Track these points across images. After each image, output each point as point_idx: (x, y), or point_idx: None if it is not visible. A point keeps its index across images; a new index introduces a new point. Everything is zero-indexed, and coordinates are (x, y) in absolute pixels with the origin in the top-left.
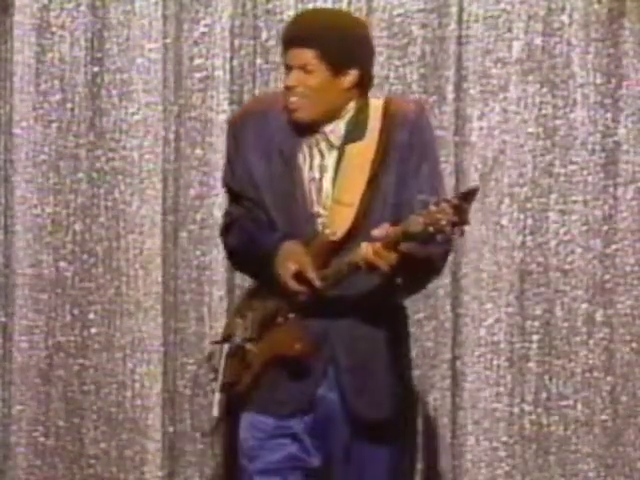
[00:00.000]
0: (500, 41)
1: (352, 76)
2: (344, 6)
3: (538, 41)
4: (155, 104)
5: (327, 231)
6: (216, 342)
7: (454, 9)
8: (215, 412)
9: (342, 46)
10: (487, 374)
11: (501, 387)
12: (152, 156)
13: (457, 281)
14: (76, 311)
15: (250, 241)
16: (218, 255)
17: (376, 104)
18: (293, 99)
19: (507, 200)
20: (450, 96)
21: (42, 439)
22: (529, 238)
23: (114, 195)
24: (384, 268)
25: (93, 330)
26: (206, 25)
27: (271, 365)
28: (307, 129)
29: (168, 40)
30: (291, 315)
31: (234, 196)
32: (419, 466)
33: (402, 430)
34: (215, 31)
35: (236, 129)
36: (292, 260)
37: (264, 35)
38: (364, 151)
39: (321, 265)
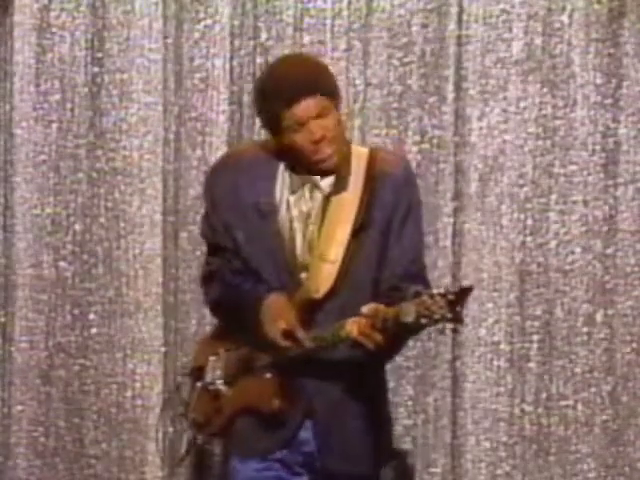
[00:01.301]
0: (500, 41)
1: (340, 104)
2: (344, 6)
3: (538, 41)
4: (155, 104)
5: (310, 288)
6: (186, 374)
7: (454, 9)
8: (183, 450)
9: (333, 81)
10: (487, 374)
11: (501, 387)
12: (152, 156)
13: (457, 281)
14: (76, 311)
15: (232, 294)
16: None
17: (359, 153)
18: (328, 150)
19: (507, 200)
20: (450, 96)
21: (42, 439)
22: (529, 238)
23: (114, 195)
24: (370, 347)
25: (93, 330)
26: (206, 25)
27: (243, 412)
28: (299, 180)
29: (168, 40)
30: (268, 375)
31: (214, 249)
32: (419, 466)
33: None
34: (215, 31)
35: (209, 185)
36: (280, 318)
37: (264, 35)
38: (348, 203)
39: (303, 321)
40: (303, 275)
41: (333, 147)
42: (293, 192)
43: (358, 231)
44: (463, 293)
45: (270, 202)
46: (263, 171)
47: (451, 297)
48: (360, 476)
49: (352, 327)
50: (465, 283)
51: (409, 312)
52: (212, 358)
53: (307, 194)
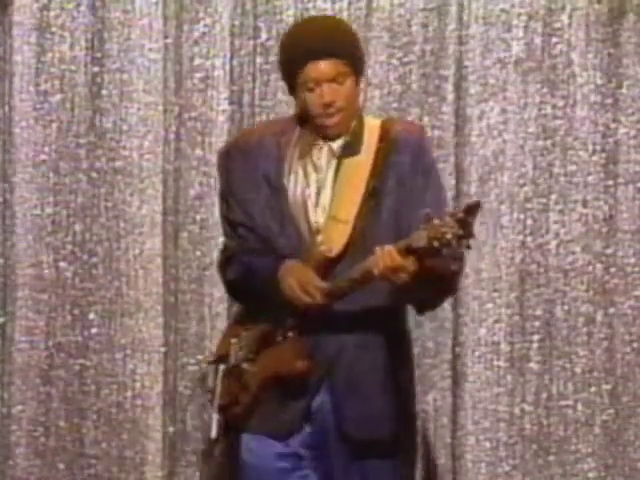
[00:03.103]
0: (500, 41)
1: (362, 82)
2: (344, 6)
3: (538, 41)
4: (155, 104)
5: (323, 247)
6: (210, 362)
7: (454, 9)
8: (213, 434)
9: (358, 47)
10: (487, 374)
11: (501, 387)
12: (152, 156)
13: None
14: (76, 311)
15: (249, 271)
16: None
17: (372, 123)
18: (333, 119)
19: (507, 200)
20: (450, 96)
21: (42, 439)
22: (529, 238)
23: (114, 195)
24: (403, 277)
25: (93, 330)
26: (206, 25)
27: (269, 384)
28: (310, 145)
29: (168, 40)
30: (290, 334)
31: (230, 227)
32: (419, 466)
33: (400, 450)
34: (215, 31)
35: (223, 163)
36: (298, 274)
37: (264, 35)
38: (360, 167)
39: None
40: (318, 238)
41: (340, 115)
42: (303, 158)
43: (370, 194)
44: (471, 209)
45: (281, 175)
46: (274, 144)
47: (460, 215)
48: (380, 441)
49: (372, 262)
50: (471, 201)
51: (421, 237)
52: (233, 341)
53: (317, 159)
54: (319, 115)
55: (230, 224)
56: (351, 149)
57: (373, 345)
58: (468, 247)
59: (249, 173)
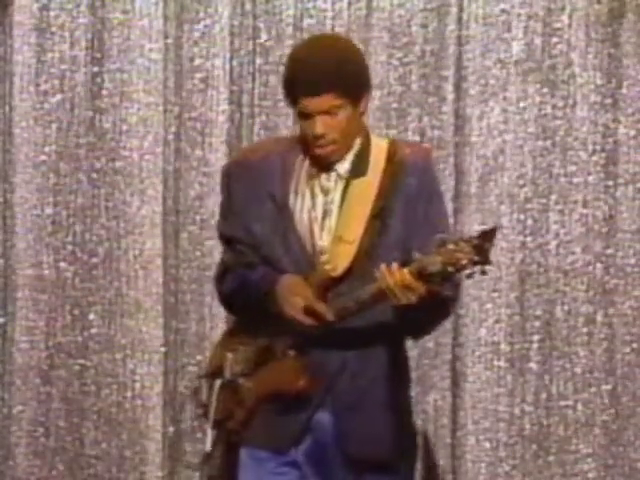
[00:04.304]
0: (500, 41)
1: (365, 98)
2: (344, 6)
3: (538, 41)
4: (155, 104)
5: (328, 266)
6: (204, 376)
7: (454, 9)
8: (208, 447)
9: (357, 76)
10: (487, 374)
11: (501, 387)
12: (152, 156)
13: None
14: (76, 312)
15: (245, 284)
16: (218, 255)
17: (379, 144)
18: (325, 149)
19: (507, 201)
20: (450, 96)
21: (42, 439)
22: (529, 239)
23: (114, 195)
24: (411, 297)
25: (93, 331)
26: (206, 25)
27: (267, 400)
28: (316, 167)
29: (168, 40)
30: (291, 352)
31: (229, 243)
32: (419, 466)
33: (399, 465)
34: (215, 31)
35: (227, 179)
36: (298, 295)
37: (264, 35)
38: (366, 188)
39: (321, 299)
40: (323, 257)
41: (332, 146)
42: (311, 179)
43: (377, 214)
44: (487, 235)
45: (286, 194)
46: (278, 164)
47: (476, 241)
48: (380, 462)
49: (382, 279)
50: (487, 227)
51: (435, 261)
52: (230, 355)
53: (324, 181)
54: (312, 145)
55: (228, 240)
56: (358, 169)
57: (374, 362)
58: (484, 273)
59: (252, 190)
